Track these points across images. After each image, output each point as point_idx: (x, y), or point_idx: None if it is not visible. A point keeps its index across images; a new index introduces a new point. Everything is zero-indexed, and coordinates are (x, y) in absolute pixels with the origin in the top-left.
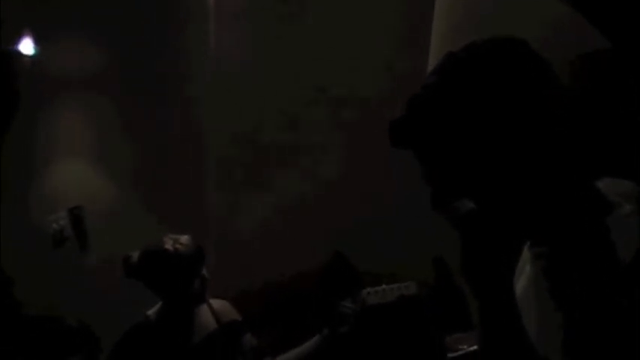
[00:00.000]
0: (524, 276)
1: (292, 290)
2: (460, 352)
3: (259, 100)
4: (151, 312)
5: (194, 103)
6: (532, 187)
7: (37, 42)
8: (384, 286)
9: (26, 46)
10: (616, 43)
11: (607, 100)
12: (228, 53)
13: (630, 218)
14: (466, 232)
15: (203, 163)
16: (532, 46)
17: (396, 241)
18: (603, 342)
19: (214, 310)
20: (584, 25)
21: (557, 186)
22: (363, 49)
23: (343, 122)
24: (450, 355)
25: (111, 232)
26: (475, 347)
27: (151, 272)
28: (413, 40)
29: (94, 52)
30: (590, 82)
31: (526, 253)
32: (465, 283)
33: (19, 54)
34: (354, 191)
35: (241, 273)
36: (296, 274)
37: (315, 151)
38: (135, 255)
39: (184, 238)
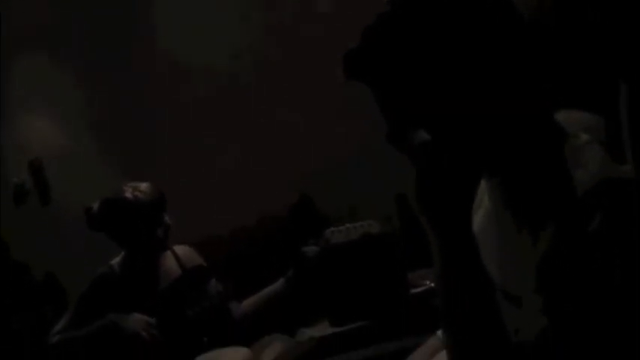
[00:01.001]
0: (482, 208)
1: (258, 234)
2: (423, 288)
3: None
4: (114, 261)
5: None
6: (488, 116)
7: None
8: (347, 225)
9: None
10: None
11: (568, 30)
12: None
13: (586, 148)
14: (421, 164)
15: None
16: None
17: (359, 180)
18: (565, 269)
19: (178, 256)
20: None
21: (513, 115)
22: None
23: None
24: (413, 290)
25: (72, 185)
26: None
27: (112, 221)
28: None
29: (51, 7)
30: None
31: (483, 185)
32: (421, 216)
33: None
34: (316, 133)
35: (206, 218)
36: (261, 217)
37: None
38: (95, 206)
39: (144, 186)
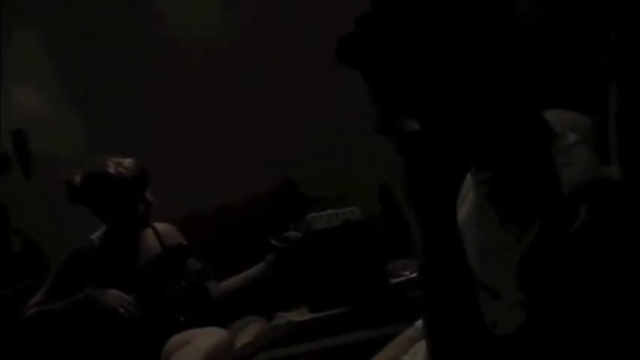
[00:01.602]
0: (467, 202)
1: (240, 215)
2: (403, 278)
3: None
4: (94, 236)
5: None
6: (478, 111)
7: None
8: (329, 210)
9: None
10: None
11: (561, 27)
12: None
13: (573, 147)
14: (408, 153)
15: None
16: None
17: (343, 166)
18: (546, 266)
19: (159, 233)
20: None
21: (502, 112)
22: None
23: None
24: (393, 280)
25: (55, 155)
26: None
27: (94, 195)
28: None
29: None
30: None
31: (469, 180)
32: (407, 207)
33: None
34: (302, 117)
35: (190, 195)
36: (245, 198)
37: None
38: (77, 178)
39: (127, 162)
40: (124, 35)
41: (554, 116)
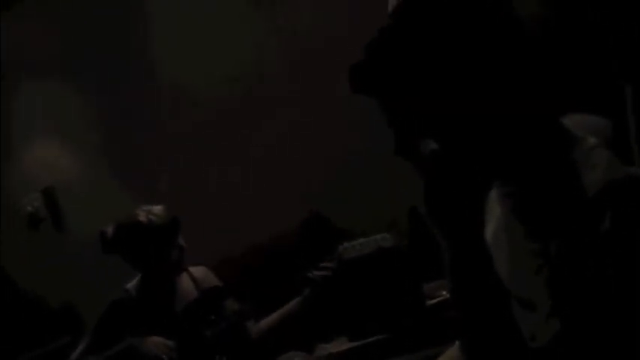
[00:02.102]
0: (493, 216)
1: (272, 253)
2: (439, 299)
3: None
4: (130, 285)
5: (158, 72)
6: (497, 124)
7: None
8: (360, 239)
9: None
10: None
11: (571, 33)
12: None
13: (594, 151)
14: (430, 174)
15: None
16: None
17: (371, 195)
18: (579, 276)
19: (194, 277)
20: None
21: (521, 122)
22: None
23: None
24: (429, 302)
25: (86, 210)
26: None
27: (127, 245)
28: None
29: (57, 34)
30: (554, 14)
31: (494, 193)
32: (432, 227)
33: None
34: (326, 149)
35: (220, 239)
36: (274, 236)
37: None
38: (110, 229)
39: (157, 209)
40: (146, 83)
41: (572, 121)
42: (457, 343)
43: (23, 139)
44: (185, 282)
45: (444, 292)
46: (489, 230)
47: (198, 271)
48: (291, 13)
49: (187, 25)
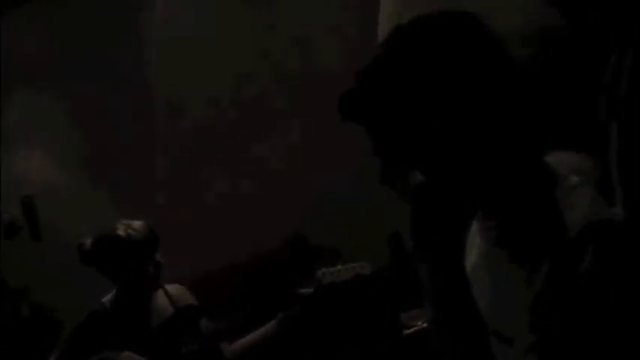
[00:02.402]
0: (474, 249)
1: (249, 273)
2: (415, 329)
3: (212, 78)
4: (106, 299)
5: (146, 86)
6: (482, 159)
7: None
8: (339, 266)
9: None
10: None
11: (558, 73)
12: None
13: (576, 190)
14: (416, 204)
15: (155, 144)
16: (481, 19)
17: (353, 218)
18: (556, 309)
19: (170, 295)
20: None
21: (506, 158)
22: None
23: (297, 99)
24: (405, 331)
25: (64, 220)
26: None
27: (104, 258)
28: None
29: (48, 43)
30: (542, 53)
31: (475, 226)
32: (415, 256)
33: None
34: (312, 169)
35: (199, 257)
36: (252, 256)
37: (272, 132)
38: (88, 242)
39: (137, 224)
40: (134, 95)
41: (556, 158)
42: None
43: (7, 146)
44: (161, 299)
45: (420, 322)
46: (469, 262)
47: (174, 288)
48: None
49: (181, 37)
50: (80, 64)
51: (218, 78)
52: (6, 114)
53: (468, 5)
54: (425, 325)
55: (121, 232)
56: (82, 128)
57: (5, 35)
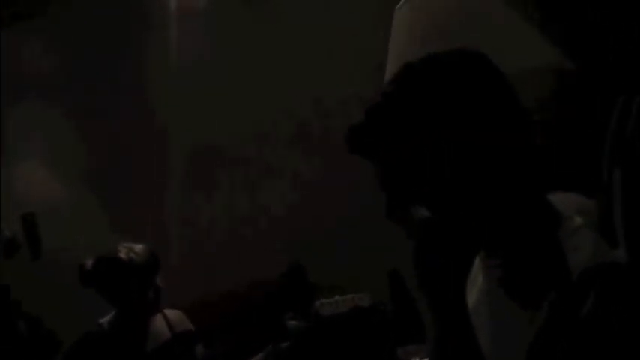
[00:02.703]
0: (476, 287)
1: (247, 301)
2: None
3: (222, 107)
4: (104, 320)
5: (155, 108)
6: (487, 198)
7: None
8: (337, 297)
9: None
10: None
11: (566, 114)
12: (189, 58)
13: (580, 231)
14: (419, 240)
15: (160, 169)
16: (491, 57)
17: (353, 252)
18: (557, 352)
19: (168, 319)
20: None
21: (511, 199)
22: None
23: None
24: None
25: (65, 239)
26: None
27: (104, 280)
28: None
29: (50, 56)
30: (551, 94)
31: (478, 264)
32: (418, 294)
33: None
34: (315, 202)
35: (198, 284)
36: (251, 283)
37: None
38: (89, 263)
39: (139, 247)
40: (134, 110)
41: (560, 199)
42: None
43: (7, 162)
44: (159, 323)
45: (417, 358)
46: (470, 300)
47: (173, 314)
48: None
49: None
50: (83, 79)
51: (224, 103)
52: (7, 129)
53: (478, 45)
54: None
55: (122, 254)
56: (85, 144)
57: (6, 49)
